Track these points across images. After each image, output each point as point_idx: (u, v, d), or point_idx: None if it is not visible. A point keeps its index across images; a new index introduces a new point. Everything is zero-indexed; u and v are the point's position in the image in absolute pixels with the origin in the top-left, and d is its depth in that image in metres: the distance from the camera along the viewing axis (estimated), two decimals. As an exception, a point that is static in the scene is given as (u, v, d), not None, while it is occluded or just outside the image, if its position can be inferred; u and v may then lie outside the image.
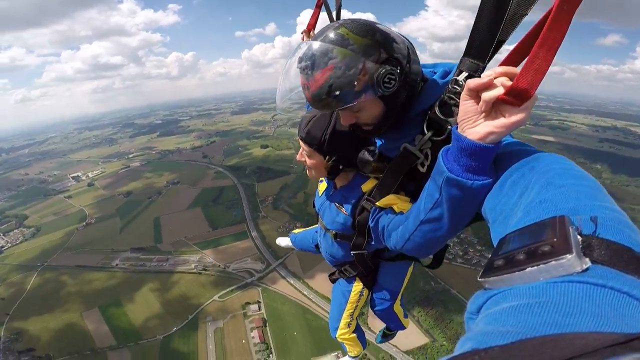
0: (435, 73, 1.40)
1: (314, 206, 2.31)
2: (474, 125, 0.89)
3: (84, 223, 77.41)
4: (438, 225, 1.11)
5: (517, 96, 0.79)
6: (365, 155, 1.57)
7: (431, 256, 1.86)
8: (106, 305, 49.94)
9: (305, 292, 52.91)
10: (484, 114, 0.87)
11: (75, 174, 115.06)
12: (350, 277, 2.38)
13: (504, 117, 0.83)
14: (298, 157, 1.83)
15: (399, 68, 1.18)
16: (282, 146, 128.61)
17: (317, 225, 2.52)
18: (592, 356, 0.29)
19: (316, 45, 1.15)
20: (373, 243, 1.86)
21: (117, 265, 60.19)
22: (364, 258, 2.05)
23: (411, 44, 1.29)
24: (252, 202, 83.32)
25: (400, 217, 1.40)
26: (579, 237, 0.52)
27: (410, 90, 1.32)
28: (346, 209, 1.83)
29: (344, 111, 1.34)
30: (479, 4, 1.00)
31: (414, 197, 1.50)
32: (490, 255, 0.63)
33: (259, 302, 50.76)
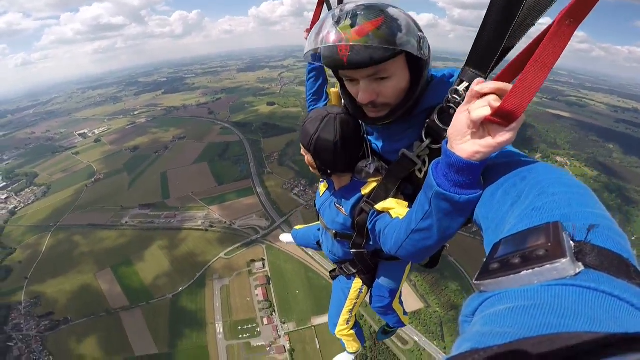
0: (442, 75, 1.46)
1: (315, 205, 2.33)
2: (462, 142, 0.90)
3: (93, 179, 78.04)
4: (428, 235, 1.14)
5: (503, 117, 0.79)
6: (364, 167, 1.64)
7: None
8: (118, 264, 51.02)
9: (308, 251, 52.76)
10: (472, 131, 0.88)
11: (81, 131, 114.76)
12: (350, 275, 2.42)
13: (491, 137, 0.84)
14: (302, 150, 1.82)
15: (428, 46, 1.28)
16: (289, 103, 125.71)
17: (318, 222, 2.55)
18: (588, 354, 0.30)
19: (365, 4, 1.19)
20: (372, 243, 1.87)
21: (126, 222, 60.91)
22: (364, 257, 2.08)
23: None
24: (257, 158, 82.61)
25: (396, 223, 1.41)
26: (571, 242, 0.53)
27: (427, 77, 1.39)
28: (346, 210, 1.85)
29: (368, 83, 1.30)
30: (485, 14, 0.98)
31: (411, 200, 1.52)
32: (485, 259, 0.64)
33: (263, 259, 51.29)
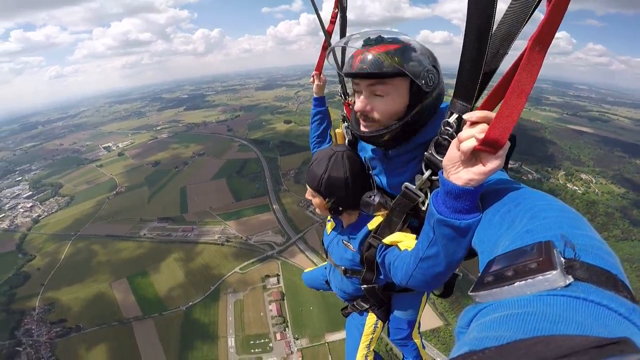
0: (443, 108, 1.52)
1: (323, 244, 2.33)
2: (457, 171, 0.97)
3: (115, 192, 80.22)
4: (436, 262, 1.17)
5: (490, 146, 0.85)
6: (369, 199, 1.68)
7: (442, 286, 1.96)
8: (134, 275, 51.63)
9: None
10: (464, 160, 0.95)
11: (106, 145, 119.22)
12: (363, 311, 2.37)
13: (482, 164, 0.91)
14: (307, 195, 1.88)
15: (438, 79, 1.38)
16: (305, 122, 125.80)
17: (326, 262, 2.58)
18: (581, 355, 0.33)
19: (396, 35, 1.40)
20: (382, 277, 1.87)
21: (144, 234, 61.98)
22: (375, 291, 2.06)
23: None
24: (274, 175, 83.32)
25: (405, 255, 1.44)
26: (562, 259, 0.56)
27: (429, 109, 1.46)
28: (354, 246, 1.87)
29: (367, 95, 1.46)
30: (461, 49, 1.06)
31: (418, 232, 1.56)
32: (480, 274, 0.68)
33: (278, 275, 51.05)
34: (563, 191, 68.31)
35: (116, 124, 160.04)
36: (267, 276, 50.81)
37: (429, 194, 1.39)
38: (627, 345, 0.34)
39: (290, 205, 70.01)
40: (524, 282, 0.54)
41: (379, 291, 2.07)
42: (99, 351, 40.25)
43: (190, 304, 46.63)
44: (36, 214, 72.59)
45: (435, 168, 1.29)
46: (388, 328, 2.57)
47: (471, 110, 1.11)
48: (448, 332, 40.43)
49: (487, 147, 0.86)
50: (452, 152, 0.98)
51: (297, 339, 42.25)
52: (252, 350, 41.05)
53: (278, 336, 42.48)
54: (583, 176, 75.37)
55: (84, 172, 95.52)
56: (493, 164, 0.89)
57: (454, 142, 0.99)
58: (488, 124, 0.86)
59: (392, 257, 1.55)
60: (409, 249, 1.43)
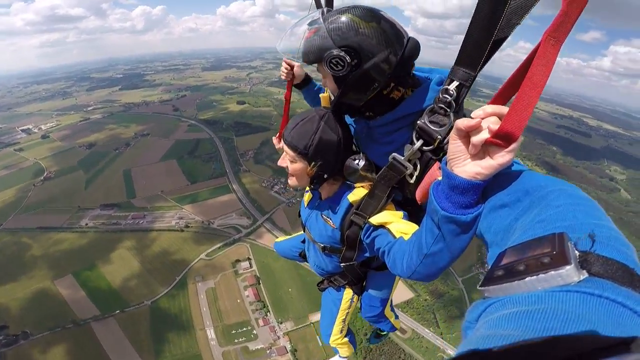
0: (429, 79, 1.46)
1: (299, 216, 2.23)
2: (463, 164, 0.93)
3: (42, 177, 69.03)
4: (441, 257, 1.15)
5: (503, 139, 0.81)
6: (353, 163, 1.57)
7: None
8: (80, 269, 45.13)
9: None
10: (472, 153, 0.91)
11: (25, 127, 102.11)
12: (340, 286, 2.37)
13: (491, 158, 0.87)
14: (280, 162, 1.71)
15: (354, 60, 1.30)
16: (260, 103, 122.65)
17: (300, 233, 2.52)
18: (589, 357, 0.31)
19: (318, 14, 1.39)
20: (366, 254, 1.87)
21: (86, 224, 54.49)
22: (354, 268, 2.01)
23: (411, 45, 1.35)
24: (231, 156, 78.66)
25: (403, 246, 1.37)
26: (576, 252, 0.54)
27: (359, 87, 1.40)
28: (334, 222, 1.76)
29: (322, 75, 1.50)
30: (473, 13, 1.02)
31: (401, 206, 1.63)
32: (490, 267, 0.65)
33: (249, 258, 48.29)
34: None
35: (36, 104, 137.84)
36: (238, 260, 47.91)
37: (418, 165, 1.33)
38: (638, 344, 0.32)
39: (252, 185, 66.56)
40: (535, 277, 0.52)
41: (356, 268, 2.01)
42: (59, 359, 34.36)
43: (155, 297, 42.05)
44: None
45: (428, 138, 1.25)
46: (360, 305, 2.60)
47: (474, 79, 1.12)
48: (420, 303, 41.87)
49: (500, 139, 0.81)
50: (457, 144, 0.93)
51: (281, 323, 40.61)
52: (236, 340, 38.54)
53: (260, 322, 40.45)
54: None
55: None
56: (504, 158, 0.84)
57: (457, 136, 0.93)
58: (500, 119, 0.82)
59: (385, 244, 1.48)
60: (405, 237, 1.38)
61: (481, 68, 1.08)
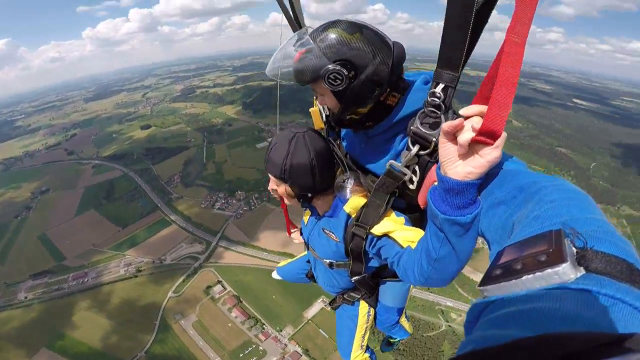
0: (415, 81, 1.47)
1: (301, 234, 2.22)
2: (455, 166, 0.96)
3: None
4: (450, 259, 1.16)
5: (487, 136, 0.84)
6: (343, 184, 1.59)
7: None
8: (50, 341, 41.14)
9: (260, 256, 51.81)
10: (462, 154, 0.94)
11: None
12: (354, 301, 2.32)
13: (481, 156, 0.90)
14: (270, 185, 1.71)
15: (351, 72, 1.29)
16: (168, 123, 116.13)
17: (304, 254, 2.53)
18: (587, 354, 0.31)
19: (304, 33, 1.38)
20: (373, 265, 1.84)
21: (26, 297, 48.66)
22: (366, 280, 1.95)
23: (396, 48, 1.35)
24: (156, 187, 74.53)
25: (412, 255, 1.37)
26: (573, 249, 0.54)
27: (358, 98, 1.38)
28: (337, 235, 1.74)
29: (318, 94, 1.48)
30: (444, 19, 1.06)
31: (405, 213, 1.58)
32: (488, 266, 0.66)
33: (219, 281, 47.99)
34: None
35: None
36: (209, 287, 47.39)
37: (417, 171, 1.36)
38: (637, 341, 0.32)
39: (191, 210, 64.82)
40: (532, 275, 0.52)
41: (368, 279, 1.98)
42: None
43: (147, 346, 40.17)
44: None
45: (424, 142, 1.27)
46: (375, 316, 2.53)
47: (458, 79, 1.16)
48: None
49: (484, 136, 0.85)
50: (447, 147, 0.98)
51: (281, 331, 41.41)
52: None
53: (261, 337, 40.94)
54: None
55: None
56: (492, 155, 0.88)
57: (445, 139, 0.98)
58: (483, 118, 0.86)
59: (393, 254, 1.50)
60: (412, 246, 1.41)
61: (462, 68, 1.12)
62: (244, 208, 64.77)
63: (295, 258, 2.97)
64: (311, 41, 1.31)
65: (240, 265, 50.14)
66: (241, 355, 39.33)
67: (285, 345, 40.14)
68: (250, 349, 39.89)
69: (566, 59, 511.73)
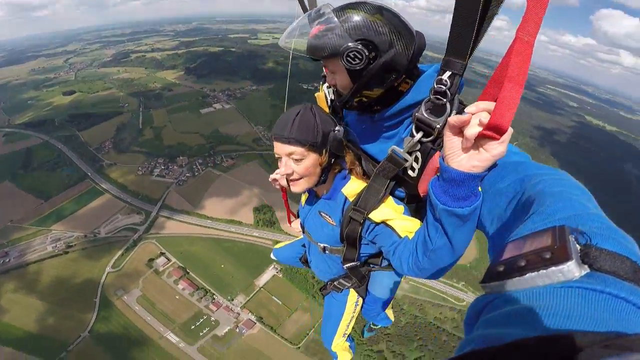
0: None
1: (298, 216, 2.24)
2: (459, 159, 0.98)
3: None
4: (445, 251, 1.18)
5: (494, 130, 0.86)
6: (334, 132, 1.54)
7: None
8: None
9: (205, 224, 49.16)
10: (467, 147, 0.96)
11: None
12: (343, 289, 2.27)
13: (486, 150, 0.92)
14: (284, 170, 1.56)
15: (372, 53, 1.28)
16: (97, 87, 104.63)
17: (301, 237, 2.49)
18: (588, 354, 0.31)
19: (327, 9, 1.37)
20: (366, 252, 1.82)
21: None
22: (358, 269, 1.94)
23: (418, 38, 1.35)
24: (84, 154, 67.14)
25: (409, 245, 1.38)
26: (577, 246, 0.53)
27: (376, 81, 1.38)
28: (334, 219, 1.72)
29: (329, 72, 1.48)
30: (454, 6, 1.06)
31: (405, 203, 1.59)
32: (490, 262, 0.65)
33: (162, 253, 44.80)
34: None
35: None
36: (151, 260, 44.06)
37: (419, 158, 1.34)
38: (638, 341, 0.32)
39: (126, 177, 59.26)
40: (536, 273, 0.51)
41: (360, 268, 1.95)
42: None
43: (89, 325, 36.91)
44: None
45: (427, 128, 1.25)
46: (364, 308, 2.54)
47: (465, 67, 1.15)
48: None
49: (491, 131, 0.86)
50: (452, 140, 0.99)
51: (232, 300, 40.00)
52: (201, 334, 37.21)
53: (212, 307, 39.36)
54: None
55: None
56: (497, 149, 0.89)
57: (451, 132, 0.99)
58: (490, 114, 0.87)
59: (391, 245, 1.48)
60: (410, 236, 1.40)
61: (470, 56, 1.13)
62: (187, 174, 60.66)
63: (292, 240, 2.93)
64: (335, 18, 1.29)
65: (185, 235, 47.38)
66: (193, 327, 37.81)
67: (238, 314, 39.20)
68: (201, 319, 38.46)
69: (506, 45, 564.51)
